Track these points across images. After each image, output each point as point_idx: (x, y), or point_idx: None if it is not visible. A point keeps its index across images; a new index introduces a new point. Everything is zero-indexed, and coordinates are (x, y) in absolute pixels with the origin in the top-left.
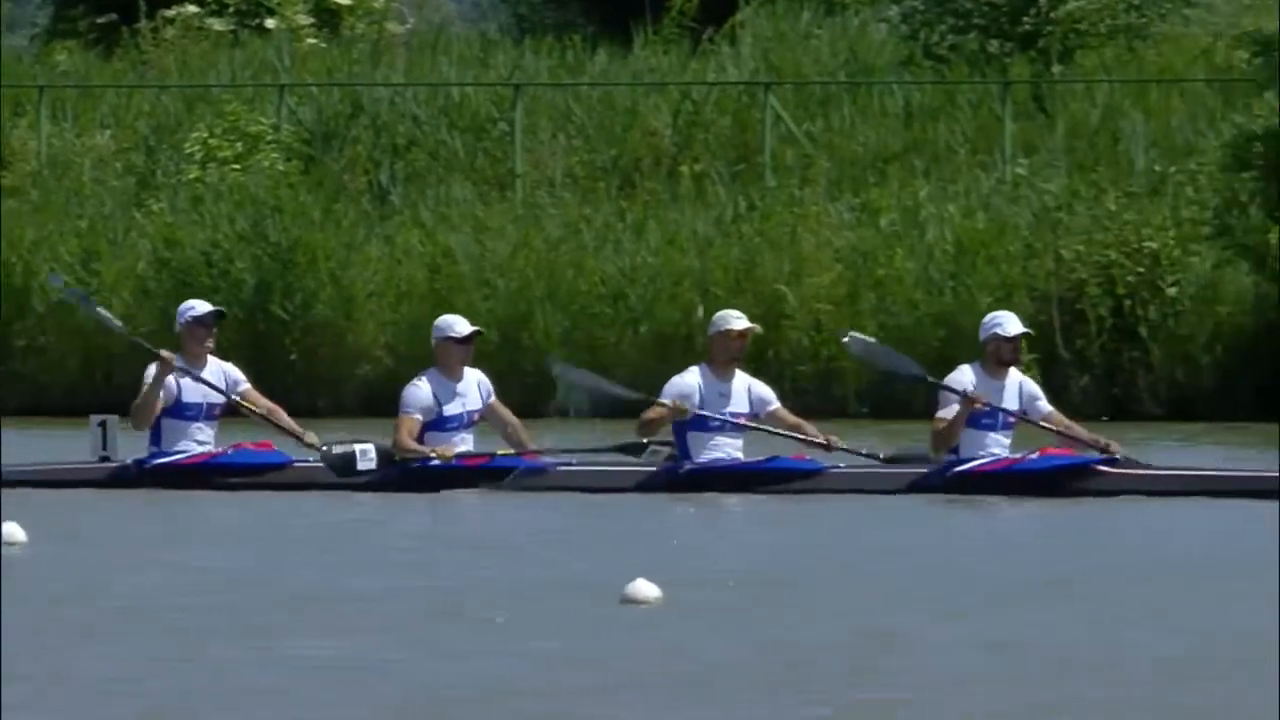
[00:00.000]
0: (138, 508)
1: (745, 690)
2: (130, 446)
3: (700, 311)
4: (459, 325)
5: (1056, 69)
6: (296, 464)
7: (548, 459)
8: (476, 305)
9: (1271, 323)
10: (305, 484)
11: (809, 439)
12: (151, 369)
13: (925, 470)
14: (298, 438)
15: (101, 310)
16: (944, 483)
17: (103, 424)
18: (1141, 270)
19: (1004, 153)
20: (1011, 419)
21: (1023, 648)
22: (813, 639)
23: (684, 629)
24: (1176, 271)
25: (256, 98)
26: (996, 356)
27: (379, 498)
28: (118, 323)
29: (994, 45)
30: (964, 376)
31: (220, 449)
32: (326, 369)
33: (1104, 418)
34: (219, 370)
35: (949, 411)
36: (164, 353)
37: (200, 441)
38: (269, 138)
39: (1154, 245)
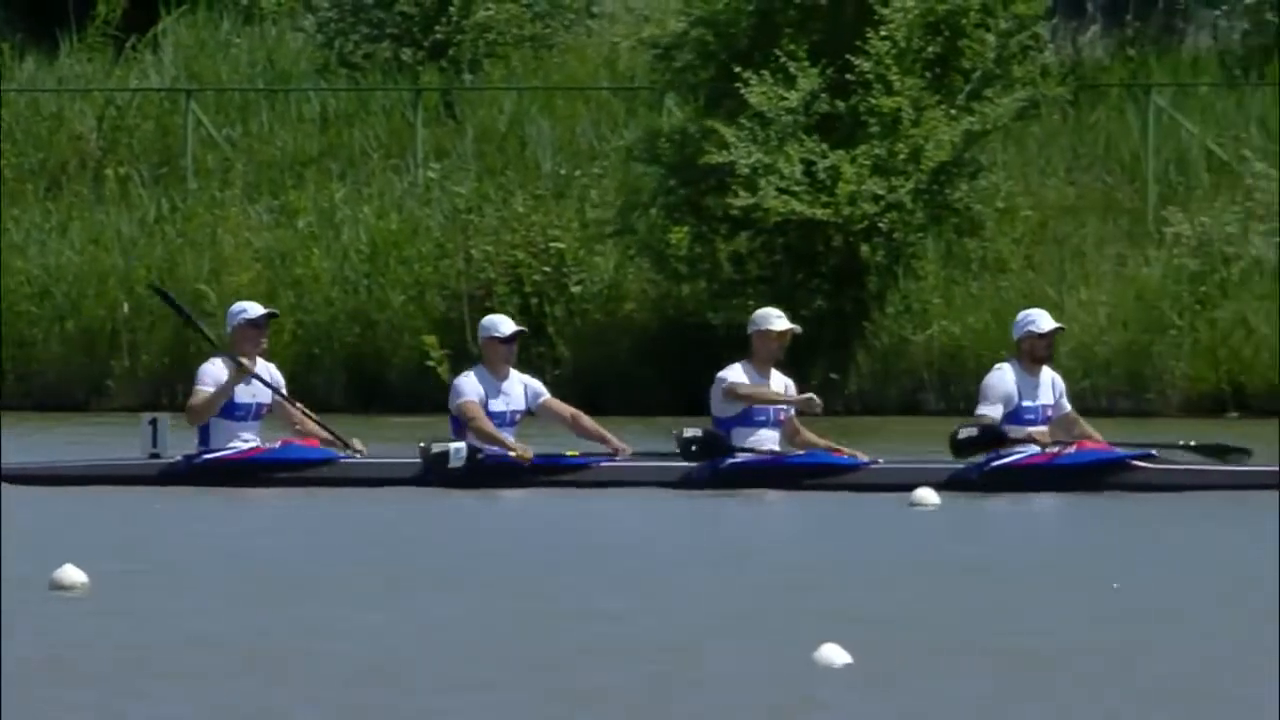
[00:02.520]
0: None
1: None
2: (179, 444)
3: (125, 308)
4: (503, 325)
5: (467, 77)
6: (343, 460)
7: (589, 456)
8: None
9: (672, 319)
10: (352, 480)
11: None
12: (209, 370)
13: (962, 465)
14: (344, 443)
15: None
16: (981, 477)
17: (154, 422)
18: (548, 269)
19: (416, 157)
20: (1050, 414)
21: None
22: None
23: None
24: (581, 271)
25: None
26: (1031, 354)
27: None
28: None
29: (407, 54)
30: (1005, 375)
31: (268, 444)
32: None
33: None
34: (266, 371)
35: (995, 410)
36: (244, 361)
37: (245, 440)
38: None
39: (560, 245)
